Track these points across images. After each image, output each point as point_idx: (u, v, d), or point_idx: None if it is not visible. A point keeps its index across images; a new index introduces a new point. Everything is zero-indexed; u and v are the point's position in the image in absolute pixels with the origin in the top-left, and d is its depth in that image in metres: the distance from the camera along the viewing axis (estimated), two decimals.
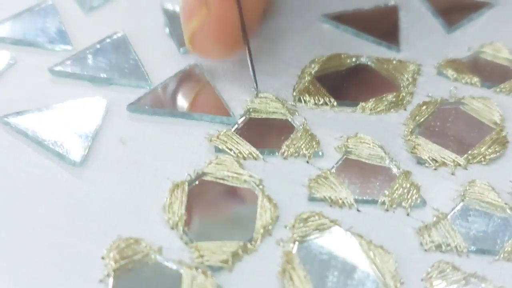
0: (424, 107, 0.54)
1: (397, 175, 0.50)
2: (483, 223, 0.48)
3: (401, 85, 0.56)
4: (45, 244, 0.46)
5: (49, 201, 0.48)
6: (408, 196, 0.48)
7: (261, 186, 0.49)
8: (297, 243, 0.46)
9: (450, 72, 0.57)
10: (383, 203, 0.48)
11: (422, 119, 0.54)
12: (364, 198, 0.49)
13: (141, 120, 0.53)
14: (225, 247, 0.46)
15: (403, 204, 0.48)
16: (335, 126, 0.53)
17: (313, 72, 0.56)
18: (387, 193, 0.49)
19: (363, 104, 0.54)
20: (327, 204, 0.48)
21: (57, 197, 0.48)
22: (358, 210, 0.48)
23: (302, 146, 0.51)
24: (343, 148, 0.51)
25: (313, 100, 0.54)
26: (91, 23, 0.60)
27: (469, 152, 0.51)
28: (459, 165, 0.51)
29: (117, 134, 0.52)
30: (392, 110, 0.54)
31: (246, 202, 0.49)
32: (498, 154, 0.51)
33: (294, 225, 0.47)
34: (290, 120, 0.53)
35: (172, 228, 0.47)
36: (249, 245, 0.46)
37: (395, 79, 0.57)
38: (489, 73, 0.58)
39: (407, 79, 0.56)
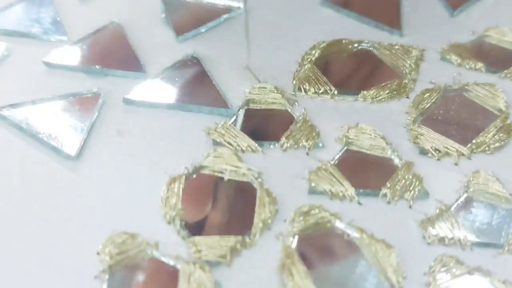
0: (427, 94, 0.53)
1: (399, 166, 0.49)
2: (488, 215, 0.47)
3: (404, 71, 0.55)
4: (39, 239, 0.45)
5: (44, 195, 0.48)
6: (411, 188, 0.47)
7: (260, 179, 0.48)
8: (297, 237, 0.45)
9: (454, 57, 0.56)
10: (385, 195, 0.47)
11: (425, 107, 0.52)
12: (365, 190, 0.47)
13: (137, 112, 0.52)
14: (223, 242, 0.45)
15: (405, 196, 0.47)
16: (336, 116, 0.52)
17: (313, 59, 0.55)
18: (388, 185, 0.48)
19: (365, 92, 0.53)
20: (328, 197, 0.47)
21: (51, 191, 0.48)
22: (359, 203, 0.47)
23: (302, 138, 0.50)
24: (344, 139, 0.50)
25: (313, 89, 0.53)
26: (86, 13, 0.59)
27: (473, 141, 0.50)
28: (463, 155, 0.50)
29: (113, 127, 0.51)
30: (394, 98, 0.53)
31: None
32: (503, 142, 0.50)
33: (294, 218, 0.46)
34: (289, 110, 0.52)
35: (169, 223, 0.46)
36: (247, 240, 0.45)
37: (398, 65, 0.55)
38: (494, 58, 0.57)
39: (410, 65, 0.55)
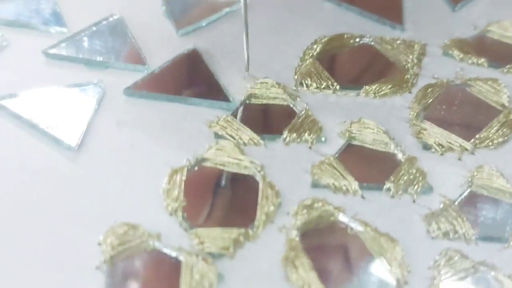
0: (430, 89, 0.53)
1: (403, 161, 0.48)
2: (492, 210, 0.47)
3: (406, 66, 0.55)
4: (40, 230, 0.45)
5: (44, 186, 0.47)
6: (414, 182, 0.47)
7: (262, 173, 0.48)
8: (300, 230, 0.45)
9: (456, 52, 0.56)
10: (389, 189, 0.47)
11: (428, 102, 0.52)
12: (369, 184, 0.47)
13: (138, 105, 0.52)
14: (226, 234, 0.45)
15: (409, 190, 0.47)
16: (338, 111, 0.52)
17: (315, 53, 0.55)
18: (392, 179, 0.47)
19: (367, 87, 0.53)
20: (331, 190, 0.47)
21: (52, 182, 0.47)
22: (362, 197, 0.47)
23: (304, 132, 0.50)
24: (347, 134, 0.50)
25: (315, 84, 0.53)
26: (86, 4, 0.59)
27: (476, 136, 0.50)
28: (466, 150, 0.49)
29: (114, 119, 0.51)
30: (396, 93, 0.53)
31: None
32: (506, 137, 0.50)
33: (297, 211, 0.46)
34: (291, 105, 0.52)
35: (171, 214, 0.46)
36: (250, 232, 0.45)
37: (400, 60, 0.55)
38: (496, 52, 0.57)
39: (412, 60, 0.55)
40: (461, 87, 0.54)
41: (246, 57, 0.52)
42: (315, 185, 0.47)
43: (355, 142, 0.50)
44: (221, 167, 0.48)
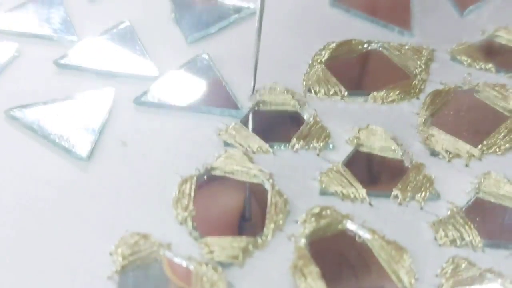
0: (438, 95, 0.53)
1: (410, 167, 0.49)
2: (499, 216, 0.47)
3: (414, 72, 0.55)
4: (52, 240, 0.45)
5: (56, 196, 0.48)
6: (422, 189, 0.47)
7: (271, 180, 0.48)
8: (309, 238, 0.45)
9: (463, 58, 0.56)
10: (396, 196, 0.47)
11: (436, 108, 0.52)
12: (377, 191, 0.47)
13: (148, 113, 0.52)
14: (235, 243, 0.45)
15: (417, 197, 0.47)
16: (346, 117, 0.52)
17: (323, 60, 0.55)
18: (400, 186, 0.48)
19: (375, 93, 0.53)
20: (339, 198, 0.47)
21: (63, 192, 0.48)
22: (370, 204, 0.47)
23: (312, 139, 0.50)
24: (355, 141, 0.50)
25: (323, 90, 0.53)
26: (95, 13, 0.59)
27: (484, 142, 0.50)
28: (473, 156, 0.50)
29: (124, 128, 0.51)
30: (404, 99, 0.53)
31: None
32: None
33: (305, 219, 0.46)
34: (300, 112, 0.52)
35: (181, 224, 0.46)
36: (259, 241, 0.45)
37: (408, 66, 0.55)
38: (504, 58, 0.57)
39: (420, 66, 0.55)
40: (468, 92, 0.54)
41: (253, 79, 0.52)
42: (323, 192, 0.48)
43: (363, 149, 0.50)
44: (231, 176, 0.48)
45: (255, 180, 0.48)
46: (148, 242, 0.45)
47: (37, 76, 0.54)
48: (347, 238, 0.46)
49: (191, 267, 0.44)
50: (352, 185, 0.48)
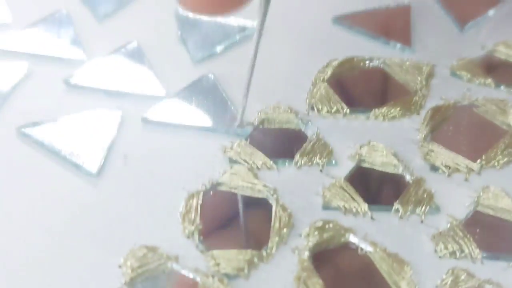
0: (437, 111, 0.54)
1: (411, 182, 0.50)
2: (497, 229, 0.48)
3: (415, 88, 0.56)
4: (63, 254, 0.47)
5: (66, 211, 0.49)
6: (422, 203, 0.48)
7: (275, 195, 0.49)
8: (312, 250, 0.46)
9: (463, 73, 0.57)
10: (397, 210, 0.48)
11: (435, 124, 0.53)
12: (378, 206, 0.49)
13: (156, 131, 0.53)
14: (240, 255, 0.46)
15: (417, 211, 0.48)
16: (348, 134, 0.53)
17: (326, 77, 0.56)
18: (400, 200, 0.49)
19: (376, 110, 0.54)
20: (341, 212, 0.48)
21: (73, 207, 0.49)
22: (372, 218, 0.48)
23: (315, 156, 0.51)
24: (356, 157, 0.51)
25: (326, 108, 0.54)
26: (104, 32, 0.60)
27: (483, 156, 0.51)
28: (473, 170, 0.50)
29: (132, 145, 0.52)
30: (405, 115, 0.54)
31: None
32: (511, 158, 0.51)
33: (309, 233, 0.47)
34: (303, 129, 0.53)
35: (188, 237, 0.47)
36: (264, 253, 0.46)
37: (408, 82, 0.56)
38: (503, 72, 0.58)
39: (421, 82, 0.56)
40: (468, 108, 0.55)
41: (242, 107, 0.52)
42: (326, 207, 0.49)
43: (364, 165, 0.51)
44: (236, 191, 0.50)
45: (260, 195, 0.49)
46: (156, 255, 0.46)
47: (48, 94, 0.56)
48: (350, 251, 0.47)
49: (198, 279, 0.45)
50: (354, 199, 0.49)
